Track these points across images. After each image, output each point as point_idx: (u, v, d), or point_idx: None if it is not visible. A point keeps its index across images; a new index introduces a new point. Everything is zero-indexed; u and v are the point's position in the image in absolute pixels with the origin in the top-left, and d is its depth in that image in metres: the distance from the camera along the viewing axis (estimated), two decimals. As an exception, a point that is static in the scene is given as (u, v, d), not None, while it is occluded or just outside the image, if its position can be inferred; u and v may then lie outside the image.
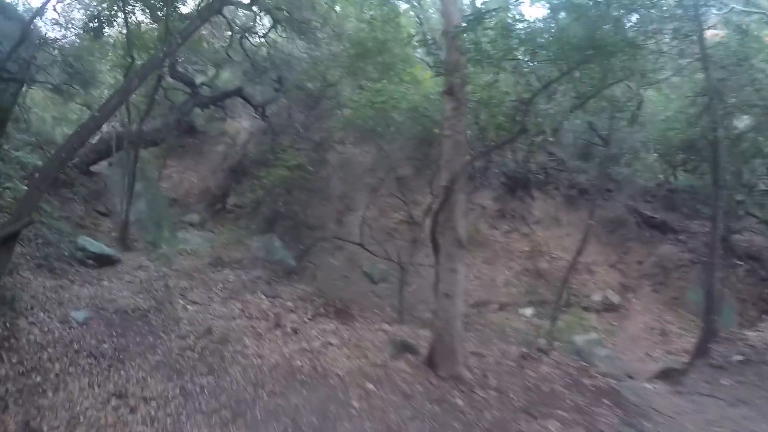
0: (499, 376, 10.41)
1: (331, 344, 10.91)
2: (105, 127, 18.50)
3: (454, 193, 9.73)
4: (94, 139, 18.67)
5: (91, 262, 12.98)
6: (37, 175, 9.09)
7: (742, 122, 16.07)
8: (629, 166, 18.43)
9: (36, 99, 19.09)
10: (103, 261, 13.31)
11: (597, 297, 18.12)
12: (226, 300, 12.46)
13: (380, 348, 11.04)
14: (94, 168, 18.60)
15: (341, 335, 11.59)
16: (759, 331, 14.23)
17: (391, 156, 15.84)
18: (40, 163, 15.06)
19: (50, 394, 7.48)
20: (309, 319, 12.13)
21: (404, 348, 10.84)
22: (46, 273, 11.55)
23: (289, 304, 12.74)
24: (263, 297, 12.95)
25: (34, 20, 10.06)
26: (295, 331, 11.34)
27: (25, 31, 8.75)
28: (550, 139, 14.05)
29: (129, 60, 15.08)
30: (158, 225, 16.88)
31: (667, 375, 13.16)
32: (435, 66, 10.96)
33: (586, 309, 17.49)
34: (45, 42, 14.90)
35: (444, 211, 9.86)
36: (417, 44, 14.52)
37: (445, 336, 9.83)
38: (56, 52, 16.56)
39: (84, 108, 19.02)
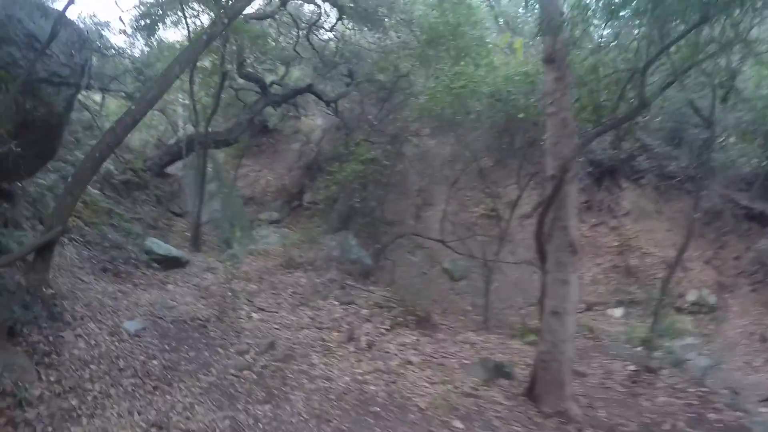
0: (610, 408, 7.98)
1: (410, 363, 8.64)
2: (180, 130, 16.77)
3: (565, 184, 7.01)
4: (169, 142, 17.06)
5: (157, 265, 11.12)
6: (70, 179, 7.38)
7: None
8: (725, 151, 14.80)
9: (111, 108, 17.36)
10: (171, 263, 11.45)
11: (691, 297, 15.04)
12: (296, 307, 10.28)
13: (467, 368, 8.71)
14: (168, 170, 16.80)
15: (422, 350, 9.30)
16: None
17: (471, 146, 13.44)
18: (112, 167, 14.03)
19: (84, 421, 5.71)
20: (386, 330, 9.86)
21: (497, 371, 8.42)
22: (110, 277, 9.81)
23: (365, 311, 10.43)
24: (336, 303, 10.73)
25: (72, 20, 8.34)
26: (370, 345, 9.10)
27: (72, 32, 7.25)
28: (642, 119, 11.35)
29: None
30: (232, 224, 14.97)
31: None
32: (537, 25, 8.07)
33: (679, 310, 14.52)
34: (103, 47, 13.56)
35: (552, 208, 7.15)
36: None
37: (551, 363, 7.35)
38: (126, 60, 15.19)
39: (157, 112, 17.16)
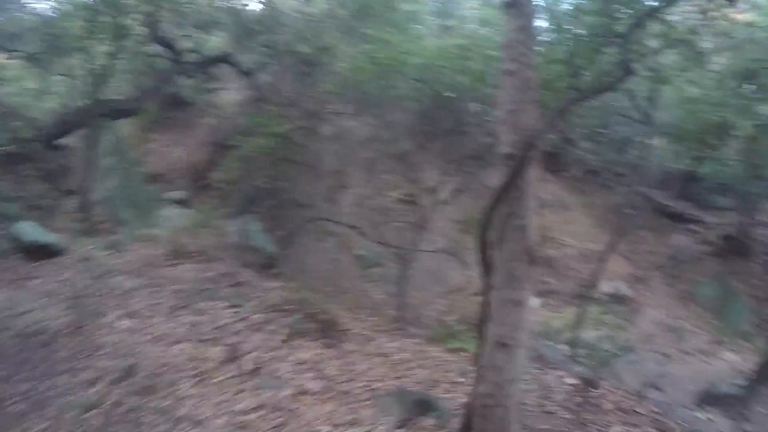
0: None
1: (307, 393, 5.93)
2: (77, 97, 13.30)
3: (526, 168, 4.44)
4: (62, 109, 13.64)
5: (22, 254, 8.42)
6: None
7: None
8: (643, 150, 13.26)
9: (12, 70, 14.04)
10: (40, 253, 8.54)
11: (607, 289, 13.30)
12: (174, 310, 7.35)
13: (381, 401, 6.01)
14: (61, 141, 13.22)
15: (324, 371, 6.57)
16: None
17: (392, 126, 10.88)
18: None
19: None
20: (281, 343, 6.93)
21: (419, 407, 5.67)
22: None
23: (257, 317, 7.41)
24: (224, 306, 7.55)
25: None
26: (256, 367, 6.26)
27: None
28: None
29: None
30: (131, 204, 11.91)
31: (721, 401, 8.76)
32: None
33: (595, 301, 12.45)
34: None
35: (506, 201, 4.52)
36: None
37: (495, 409, 4.64)
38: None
39: (67, 77, 13.65)
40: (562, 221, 14.54)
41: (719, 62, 12.01)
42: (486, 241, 4.76)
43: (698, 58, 9.48)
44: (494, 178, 4.87)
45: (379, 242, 11.15)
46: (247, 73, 14.51)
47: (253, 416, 5.19)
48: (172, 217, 11.67)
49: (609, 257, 10.30)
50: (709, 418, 8.20)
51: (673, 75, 10.43)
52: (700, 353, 12.03)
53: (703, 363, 11.66)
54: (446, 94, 9.35)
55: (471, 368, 6.10)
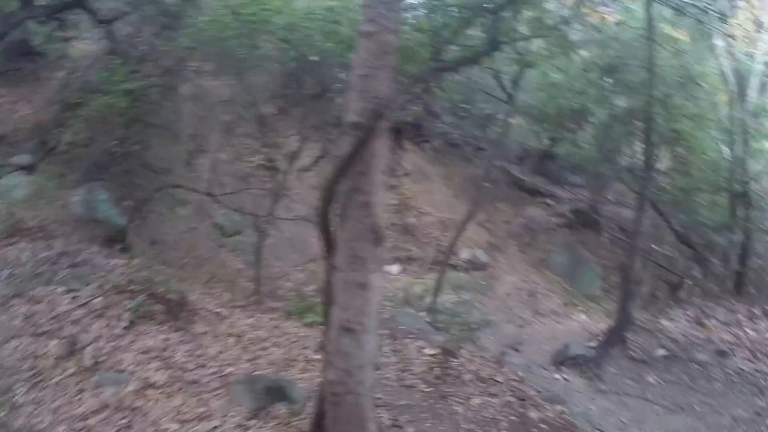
0: (420, 424, 5.42)
1: (153, 386, 5.21)
2: None
3: (374, 138, 3.80)
4: None
5: None
6: None
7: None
8: (505, 127, 13.38)
9: None
10: None
11: (465, 255, 13.48)
12: (7, 300, 6.08)
13: (233, 389, 5.45)
14: None
15: (172, 359, 5.83)
16: (672, 320, 9.88)
17: (254, 89, 9.85)
18: None
19: None
20: (124, 330, 6.01)
21: (271, 395, 5.10)
22: None
23: (98, 301, 6.32)
24: (63, 290, 6.37)
25: None
26: (97, 360, 5.39)
27: None
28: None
29: None
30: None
31: (575, 362, 9.06)
32: None
33: (454, 267, 12.68)
34: None
35: (350, 173, 3.87)
36: None
37: (346, 397, 4.24)
38: None
39: None
40: (422, 191, 14.50)
41: (584, 54, 12.24)
42: (327, 218, 4.12)
43: (566, 47, 9.57)
44: (339, 148, 4.21)
45: (236, 210, 10.25)
46: (103, 22, 12.64)
47: (93, 420, 4.52)
48: (13, 187, 9.81)
49: (467, 226, 10.21)
50: (565, 379, 8.52)
51: (539, 60, 10.63)
52: (554, 315, 12.42)
53: (557, 324, 12.20)
54: (312, 57, 8.65)
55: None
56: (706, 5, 9.95)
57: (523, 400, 6.27)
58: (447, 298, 11.07)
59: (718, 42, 13.21)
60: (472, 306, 11.28)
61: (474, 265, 13.33)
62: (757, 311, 10.82)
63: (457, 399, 6.00)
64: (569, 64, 12.51)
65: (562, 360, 9.13)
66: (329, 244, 4.30)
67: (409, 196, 14.19)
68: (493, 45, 4.58)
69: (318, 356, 6.41)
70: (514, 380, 6.82)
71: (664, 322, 10.00)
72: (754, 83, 14.21)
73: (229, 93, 11.47)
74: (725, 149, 13.24)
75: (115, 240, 8.34)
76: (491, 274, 13.22)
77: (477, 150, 13.62)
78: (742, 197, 12.78)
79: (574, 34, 11.21)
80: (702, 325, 10.22)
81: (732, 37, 13.40)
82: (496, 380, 6.64)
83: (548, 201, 15.55)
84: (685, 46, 12.27)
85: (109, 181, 9.59)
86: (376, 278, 4.10)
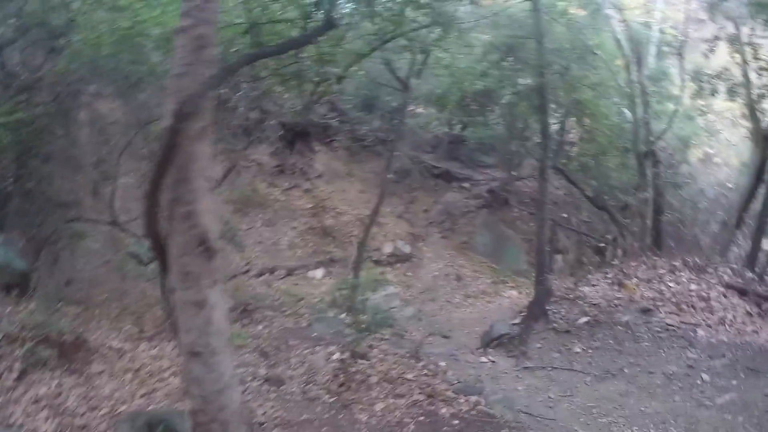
0: None
1: None
2: None
3: (187, 140, 3.36)
4: None
5: None
6: None
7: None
8: (415, 116, 13.99)
9: None
10: None
11: (388, 249, 13.57)
12: None
13: (117, 425, 5.07)
14: None
15: (63, 405, 5.25)
16: (593, 285, 9.70)
17: (144, 106, 9.46)
18: None
19: None
20: (16, 380, 5.43)
21: (152, 430, 4.66)
22: None
23: None
24: None
25: None
26: None
27: None
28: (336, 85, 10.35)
29: None
30: None
31: (500, 342, 8.95)
32: None
33: (378, 263, 12.88)
34: None
35: (165, 178, 3.43)
36: None
37: (211, 426, 3.72)
38: None
39: None
40: (337, 191, 14.29)
41: (482, 37, 12.41)
42: (156, 233, 3.66)
43: (459, 31, 9.48)
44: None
45: (144, 235, 9.52)
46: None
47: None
48: None
49: (376, 219, 9.98)
50: (492, 361, 8.29)
51: (433, 46, 10.56)
52: (484, 296, 12.36)
53: (488, 304, 12.05)
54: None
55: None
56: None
57: (433, 396, 6.04)
58: (373, 296, 10.74)
59: (611, 12, 13.56)
60: (398, 299, 11.11)
61: (398, 258, 13.26)
62: (677, 263, 10.95)
63: (361, 406, 5.71)
64: (469, 48, 12.55)
65: (488, 342, 8.97)
66: (162, 259, 3.84)
67: (324, 198, 14.00)
68: (330, 23, 4.27)
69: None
70: (426, 375, 6.55)
71: (585, 289, 9.96)
72: (652, 50, 14.73)
73: (126, 113, 10.87)
74: (628, 113, 13.60)
75: (13, 285, 7.55)
76: (416, 264, 13.17)
77: (386, 143, 13.44)
78: (648, 156, 13.11)
79: (466, 16, 11.22)
80: (622, 285, 10.25)
81: (622, 9, 13.83)
82: (405, 378, 6.37)
83: (464, 185, 15.51)
84: (580, 19, 12.51)
85: (8, 222, 8.81)
86: (214, 294, 3.67)
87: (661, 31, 14.99)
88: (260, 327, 8.44)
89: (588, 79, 12.24)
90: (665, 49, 14.90)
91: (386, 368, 6.62)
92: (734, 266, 11.54)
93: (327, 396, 6.01)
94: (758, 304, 9.66)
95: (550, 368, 7.92)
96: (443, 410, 5.75)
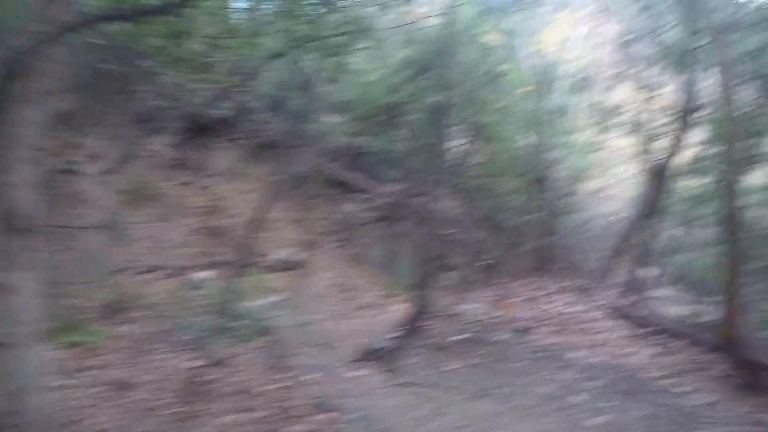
0: None
1: None
2: None
3: (14, 103, 2.99)
4: None
5: None
6: None
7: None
8: (319, 124, 13.45)
9: None
10: None
11: (279, 255, 12.85)
12: None
13: None
14: None
15: None
16: (474, 303, 9.89)
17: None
18: None
19: None
20: None
21: None
22: None
23: None
24: None
25: None
26: None
27: None
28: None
29: None
30: None
31: (376, 356, 8.67)
32: None
33: (268, 269, 12.20)
34: None
35: None
36: None
37: (14, 429, 3.17)
38: None
39: None
40: (236, 191, 13.53)
41: (398, 52, 12.58)
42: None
43: (374, 40, 9.49)
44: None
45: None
46: None
47: None
48: None
49: (262, 222, 9.53)
50: (364, 375, 8.01)
51: (345, 52, 10.19)
52: (374, 308, 12.19)
53: (377, 316, 11.87)
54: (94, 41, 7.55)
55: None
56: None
57: (287, 411, 5.80)
58: (257, 302, 10.23)
59: (525, 42, 14.26)
60: (285, 307, 10.73)
61: (288, 265, 12.73)
62: (562, 285, 11.44)
63: (208, 416, 5.36)
64: (383, 61, 12.62)
65: (365, 355, 8.79)
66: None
67: (221, 197, 13.24)
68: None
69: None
70: (287, 388, 6.29)
71: (466, 306, 10.16)
72: (561, 84, 15.62)
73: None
74: (528, 139, 14.27)
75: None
76: (307, 272, 12.70)
77: (291, 147, 13.08)
78: (542, 182, 13.74)
79: (384, 25, 11.27)
80: (503, 305, 10.58)
81: (536, 41, 14.61)
82: (263, 390, 6.07)
83: (364, 196, 15.30)
84: (493, 44, 13.01)
85: None
86: (24, 278, 3.29)
87: (571, 67, 15.94)
88: (124, 327, 7.86)
89: (495, 103, 12.74)
90: (572, 83, 15.87)
91: (246, 378, 6.32)
92: (616, 290, 12.27)
93: (177, 405, 5.62)
94: (637, 328, 10.27)
95: (423, 385, 7.77)
96: (295, 427, 5.52)
